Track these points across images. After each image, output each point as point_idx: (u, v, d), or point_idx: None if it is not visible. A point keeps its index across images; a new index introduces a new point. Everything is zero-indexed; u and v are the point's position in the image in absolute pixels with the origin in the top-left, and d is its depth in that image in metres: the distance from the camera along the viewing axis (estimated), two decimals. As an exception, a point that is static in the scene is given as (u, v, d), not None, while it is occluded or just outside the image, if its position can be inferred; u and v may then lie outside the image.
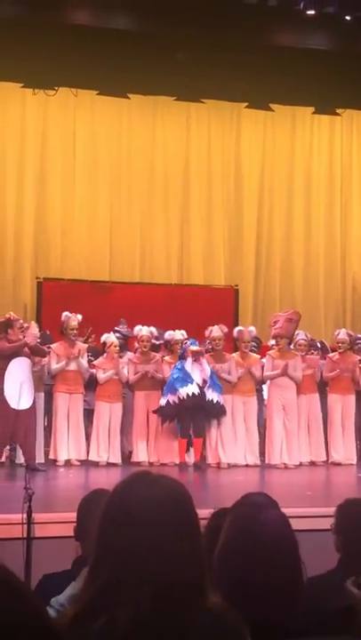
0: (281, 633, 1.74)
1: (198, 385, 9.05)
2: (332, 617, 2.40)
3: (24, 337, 8.77)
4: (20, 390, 8.47)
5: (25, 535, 4.72)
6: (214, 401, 9.19)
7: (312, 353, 10.17)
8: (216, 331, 9.71)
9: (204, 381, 9.11)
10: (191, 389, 9.02)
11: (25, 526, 4.73)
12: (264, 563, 2.02)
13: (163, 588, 1.39)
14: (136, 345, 9.84)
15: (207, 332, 9.78)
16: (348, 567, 2.99)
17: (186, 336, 9.76)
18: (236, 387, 9.64)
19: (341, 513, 3.25)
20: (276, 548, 2.04)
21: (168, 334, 9.76)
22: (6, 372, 8.52)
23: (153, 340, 9.83)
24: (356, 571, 2.93)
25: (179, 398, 9.04)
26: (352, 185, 14.05)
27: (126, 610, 1.36)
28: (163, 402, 9.17)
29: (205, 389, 9.11)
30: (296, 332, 10.03)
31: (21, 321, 9.21)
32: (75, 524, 2.99)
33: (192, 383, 9.04)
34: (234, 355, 9.89)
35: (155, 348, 9.92)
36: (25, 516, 4.75)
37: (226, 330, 9.85)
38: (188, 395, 9.01)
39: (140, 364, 9.66)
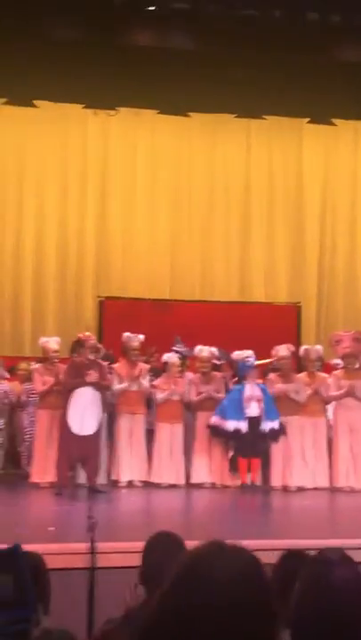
0: None
1: (250, 418, 8.96)
2: None
3: (95, 357, 8.85)
4: (82, 416, 8.52)
5: (89, 565, 4.67)
6: (268, 429, 9.07)
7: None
8: (283, 350, 9.60)
9: (260, 411, 9.03)
10: (239, 426, 8.98)
11: (89, 556, 4.68)
12: (338, 625, 1.92)
13: None
14: (198, 365, 9.77)
15: (274, 352, 9.67)
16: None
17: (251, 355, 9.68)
18: (304, 407, 9.48)
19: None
20: (349, 610, 1.94)
21: (236, 354, 9.64)
22: (71, 398, 8.58)
23: (214, 361, 9.78)
24: None
25: (224, 427, 9.01)
26: None
27: None
28: (212, 421, 9.12)
29: (263, 421, 9.03)
30: None
31: (93, 341, 9.26)
32: (140, 569, 2.91)
33: (243, 419, 8.98)
34: (302, 374, 9.74)
35: (216, 368, 9.86)
36: (89, 545, 4.70)
37: (293, 349, 9.73)
38: (234, 429, 8.97)
39: (201, 384, 9.60)
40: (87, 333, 9.36)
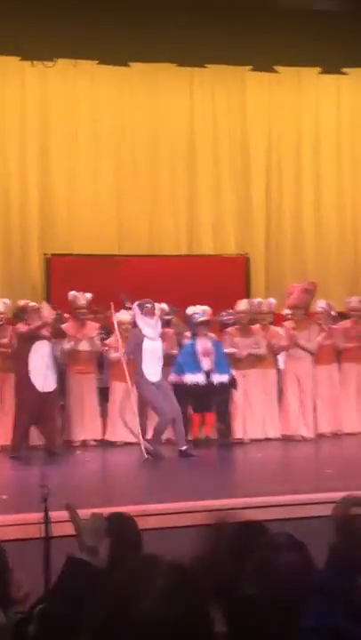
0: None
1: (205, 372, 9.00)
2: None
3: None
4: (44, 374, 8.44)
5: (43, 535, 4.65)
6: (217, 383, 9.12)
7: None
8: (244, 304, 9.65)
9: (212, 364, 9.06)
10: (197, 379, 9.00)
11: (42, 526, 4.66)
12: (285, 603, 1.94)
13: None
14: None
15: (236, 306, 9.73)
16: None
17: (207, 311, 9.70)
18: (260, 360, 9.57)
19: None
20: (295, 593, 1.96)
21: (189, 310, 9.62)
22: (30, 356, 8.47)
23: (164, 316, 9.76)
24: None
25: (183, 382, 9.04)
26: (362, 145, 13.74)
27: None
28: (170, 379, 9.15)
29: (212, 374, 9.06)
30: (317, 302, 9.99)
31: (33, 304, 9.14)
32: None
33: (200, 372, 9.00)
34: (257, 326, 9.79)
35: (166, 324, 9.85)
36: (42, 515, 4.67)
37: (254, 304, 9.76)
38: (193, 383, 9.00)
39: (152, 341, 9.58)
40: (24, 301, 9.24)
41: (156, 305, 9.67)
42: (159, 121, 13.04)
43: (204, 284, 11.68)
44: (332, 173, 13.57)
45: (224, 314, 10.06)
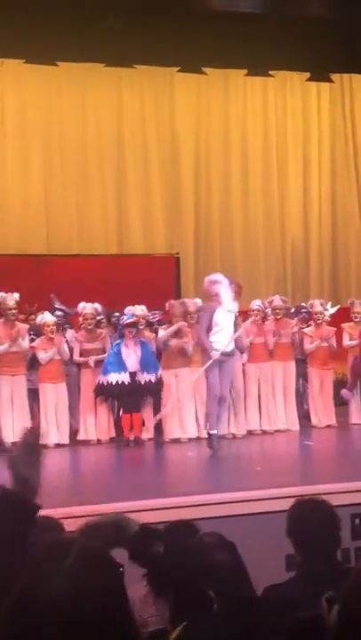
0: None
1: (130, 373, 9.04)
2: (292, 631, 2.37)
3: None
4: None
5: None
6: (147, 381, 9.18)
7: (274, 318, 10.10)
8: (177, 306, 9.72)
9: (139, 363, 9.11)
10: (121, 378, 9.04)
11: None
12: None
13: None
14: (80, 322, 9.74)
15: (168, 306, 9.78)
16: (307, 574, 2.97)
17: (145, 311, 9.73)
18: (191, 359, 9.65)
19: (292, 515, 3.21)
20: (220, 594, 2.02)
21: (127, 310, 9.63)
22: None
23: (97, 317, 9.78)
24: (316, 577, 2.91)
25: (108, 382, 9.07)
26: (287, 146, 14.00)
27: None
28: (98, 380, 9.18)
29: (139, 373, 9.11)
30: (252, 301, 10.13)
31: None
32: None
33: (125, 371, 9.04)
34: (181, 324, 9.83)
35: (98, 324, 9.86)
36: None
37: (186, 305, 9.83)
38: (117, 382, 9.03)
39: (86, 342, 9.60)
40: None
41: (89, 305, 9.68)
42: (88, 121, 13.01)
43: (134, 283, 11.71)
44: (258, 173, 13.78)
45: (150, 314, 10.12)
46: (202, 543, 2.19)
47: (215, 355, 8.03)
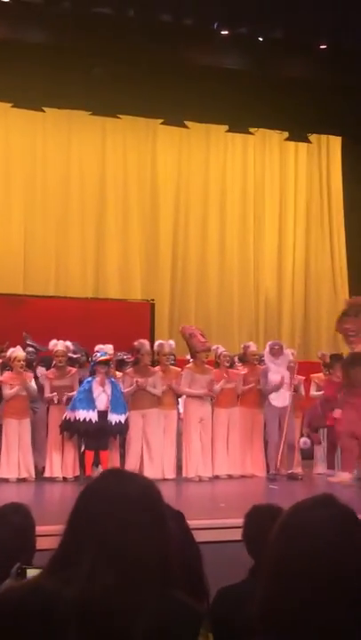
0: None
1: (99, 411, 9.07)
2: (245, 625, 2.45)
3: None
4: None
5: None
6: (117, 422, 9.21)
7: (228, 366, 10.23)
8: (147, 345, 9.76)
9: (108, 403, 9.13)
10: (89, 416, 9.03)
11: None
12: None
13: (126, 566, 1.48)
14: (54, 359, 9.76)
15: (137, 345, 9.79)
16: (259, 574, 3.05)
17: (112, 351, 9.77)
18: (159, 400, 9.68)
19: (249, 519, 3.31)
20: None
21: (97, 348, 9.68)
22: None
23: (70, 354, 9.81)
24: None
25: (75, 418, 9.06)
26: (264, 201, 14.35)
27: (90, 581, 1.46)
28: (65, 416, 9.18)
29: (108, 413, 9.13)
30: (217, 347, 10.24)
31: None
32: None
33: (93, 410, 9.04)
34: (157, 369, 9.91)
35: (72, 363, 9.89)
36: None
37: (154, 346, 9.92)
38: (84, 419, 9.03)
39: (55, 379, 9.61)
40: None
41: (60, 342, 9.74)
42: (71, 166, 13.29)
43: (109, 326, 11.78)
44: (235, 226, 14.10)
45: (120, 354, 10.17)
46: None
47: None
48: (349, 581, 1.38)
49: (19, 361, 9.27)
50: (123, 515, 1.52)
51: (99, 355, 9.35)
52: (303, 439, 10.34)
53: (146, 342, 9.78)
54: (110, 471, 1.68)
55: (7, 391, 9.22)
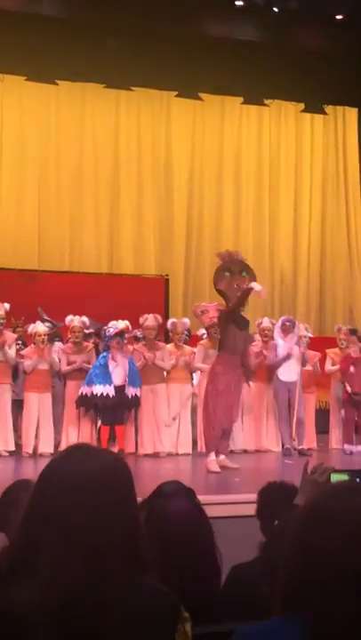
0: (198, 618, 1.78)
1: (116, 386, 9.10)
2: (258, 603, 2.45)
3: None
4: None
5: None
6: (133, 395, 9.24)
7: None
8: (151, 320, 9.72)
9: (125, 378, 9.16)
10: (106, 390, 9.06)
11: None
12: (174, 550, 2.08)
13: (93, 552, 1.38)
14: (69, 335, 9.79)
15: (141, 320, 9.78)
16: (273, 551, 3.04)
17: (129, 325, 9.77)
18: (171, 375, 9.69)
19: (262, 496, 3.30)
20: (183, 537, 2.10)
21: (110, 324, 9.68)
22: None
23: (85, 330, 9.83)
24: (277, 555, 2.98)
25: (92, 393, 9.09)
26: (280, 175, 14.21)
27: (56, 569, 1.35)
28: (81, 391, 9.21)
29: (126, 386, 9.16)
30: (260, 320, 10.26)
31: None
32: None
33: (110, 384, 9.07)
34: (169, 346, 9.92)
35: (87, 338, 9.91)
36: None
37: (160, 320, 9.88)
38: (101, 394, 9.05)
39: (73, 354, 9.64)
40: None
41: (77, 318, 9.74)
42: (84, 140, 13.20)
43: (123, 302, 11.77)
44: (251, 200, 13.98)
45: (136, 331, 10.17)
46: (161, 492, 2.27)
47: None
48: None
49: (39, 336, 9.31)
50: (82, 497, 1.40)
51: (111, 329, 9.35)
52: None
53: (149, 316, 9.73)
54: (75, 447, 1.54)
55: (27, 363, 9.27)
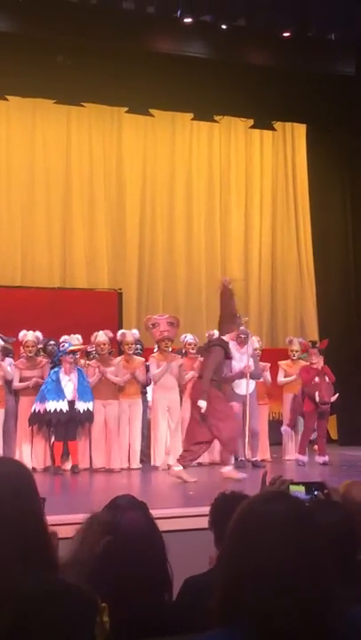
0: (148, 630, 1.83)
1: (68, 401, 9.11)
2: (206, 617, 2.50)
3: None
4: None
5: None
6: (84, 410, 9.26)
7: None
8: (101, 336, 9.76)
9: (75, 393, 9.18)
10: (60, 406, 9.08)
11: None
12: (126, 562, 2.13)
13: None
14: (21, 350, 9.77)
15: (92, 338, 9.82)
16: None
17: (81, 340, 9.80)
18: (122, 389, 9.72)
19: (215, 508, 3.36)
20: (135, 549, 2.16)
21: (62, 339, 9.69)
22: None
23: (39, 345, 9.82)
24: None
25: (45, 410, 9.09)
26: (230, 190, 14.38)
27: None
28: (34, 408, 9.20)
29: (76, 401, 9.18)
30: (184, 335, 10.32)
31: None
32: None
33: (63, 399, 9.09)
34: (119, 358, 9.96)
35: (39, 353, 9.90)
36: None
37: (111, 335, 9.92)
38: (55, 410, 9.07)
39: (26, 369, 9.62)
40: None
41: (30, 333, 9.72)
42: (35, 155, 13.19)
43: (77, 316, 11.78)
44: (202, 214, 14.12)
45: (88, 346, 10.20)
46: (115, 505, 2.32)
47: None
48: (304, 574, 1.42)
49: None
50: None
51: (66, 345, 9.37)
52: (284, 427, 10.45)
53: (99, 332, 9.81)
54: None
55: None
